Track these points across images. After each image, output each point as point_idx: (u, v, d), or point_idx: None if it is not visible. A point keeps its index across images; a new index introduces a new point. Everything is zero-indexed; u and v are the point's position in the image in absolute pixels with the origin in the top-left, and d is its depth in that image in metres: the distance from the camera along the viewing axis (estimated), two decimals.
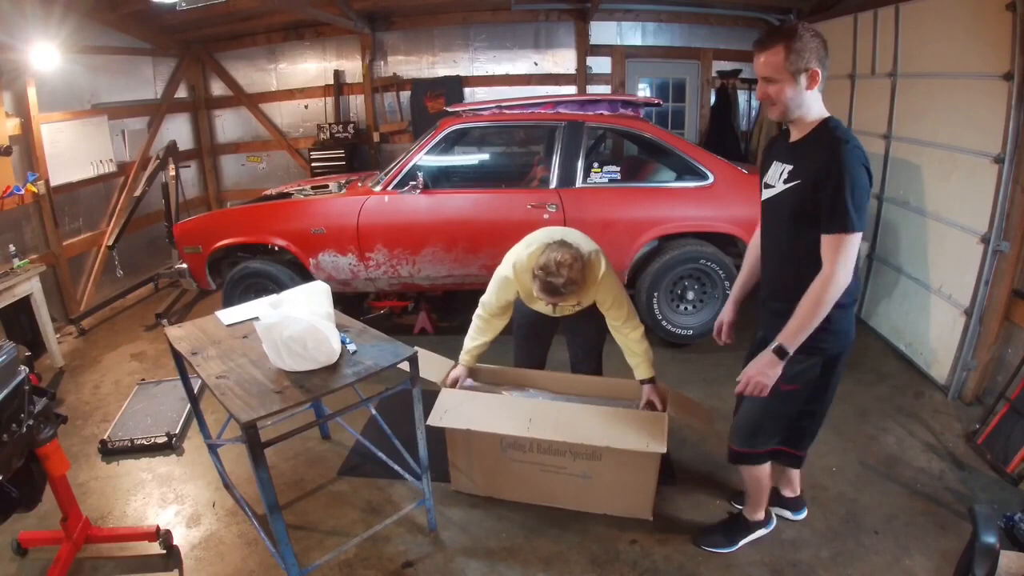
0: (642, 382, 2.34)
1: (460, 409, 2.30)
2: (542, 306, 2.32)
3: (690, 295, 3.66)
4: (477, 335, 2.45)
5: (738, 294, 2.10)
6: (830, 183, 1.53)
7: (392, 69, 5.80)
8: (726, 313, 2.13)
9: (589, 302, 2.32)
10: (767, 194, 1.79)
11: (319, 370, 1.85)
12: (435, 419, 2.24)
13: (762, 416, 1.88)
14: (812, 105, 1.63)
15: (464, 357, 2.49)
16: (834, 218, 1.54)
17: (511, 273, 2.29)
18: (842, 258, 1.55)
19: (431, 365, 2.52)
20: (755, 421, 1.90)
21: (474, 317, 2.45)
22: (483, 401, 2.38)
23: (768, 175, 1.79)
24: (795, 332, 1.64)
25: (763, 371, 1.70)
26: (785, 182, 1.69)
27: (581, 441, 2.15)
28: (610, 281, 2.25)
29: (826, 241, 1.57)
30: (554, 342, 2.67)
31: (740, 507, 2.24)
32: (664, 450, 2.08)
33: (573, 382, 2.54)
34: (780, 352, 1.66)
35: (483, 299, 2.41)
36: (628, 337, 2.30)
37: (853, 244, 1.55)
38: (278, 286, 3.46)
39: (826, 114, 1.64)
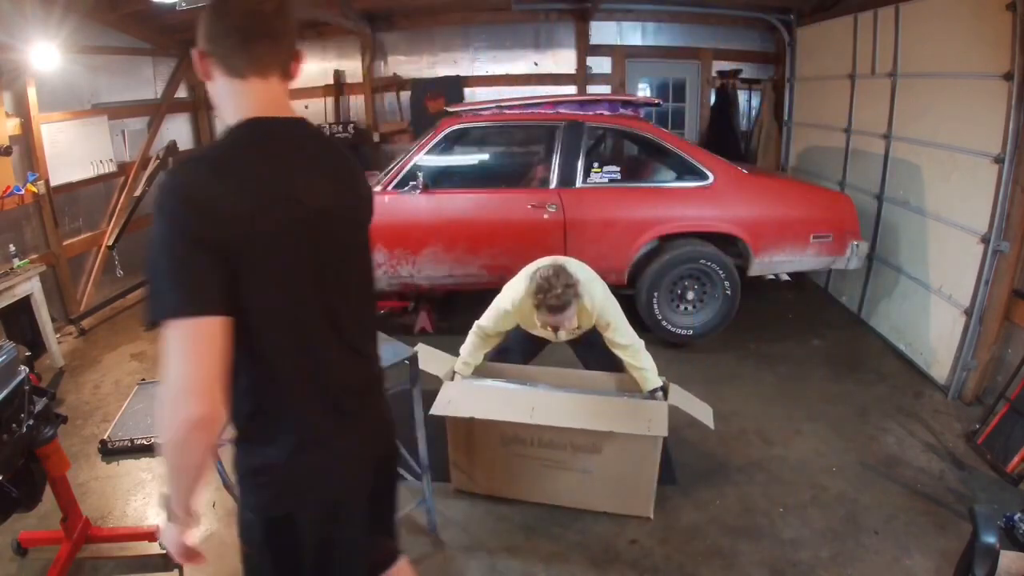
0: (652, 392, 2.31)
1: (463, 399, 2.32)
2: (547, 333, 2.37)
3: (690, 295, 3.65)
4: (475, 350, 2.47)
5: None
6: None
7: (392, 69, 5.80)
8: None
9: (589, 325, 2.37)
10: None
11: None
12: (438, 408, 2.26)
13: None
14: (225, 109, 1.03)
15: (463, 369, 2.49)
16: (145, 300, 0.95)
17: (511, 306, 2.34)
18: (169, 367, 0.88)
19: (432, 360, 2.53)
20: None
21: (471, 334, 2.47)
22: (486, 392, 2.39)
23: None
24: (168, 473, 0.98)
25: (163, 525, 1.06)
26: None
27: (583, 426, 2.17)
28: (607, 303, 2.30)
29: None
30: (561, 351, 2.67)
31: None
32: (665, 433, 2.09)
33: (575, 377, 2.55)
34: (165, 502, 1.01)
35: (481, 323, 2.44)
36: (629, 354, 2.31)
37: (185, 339, 0.88)
38: None
39: (243, 116, 0.99)
